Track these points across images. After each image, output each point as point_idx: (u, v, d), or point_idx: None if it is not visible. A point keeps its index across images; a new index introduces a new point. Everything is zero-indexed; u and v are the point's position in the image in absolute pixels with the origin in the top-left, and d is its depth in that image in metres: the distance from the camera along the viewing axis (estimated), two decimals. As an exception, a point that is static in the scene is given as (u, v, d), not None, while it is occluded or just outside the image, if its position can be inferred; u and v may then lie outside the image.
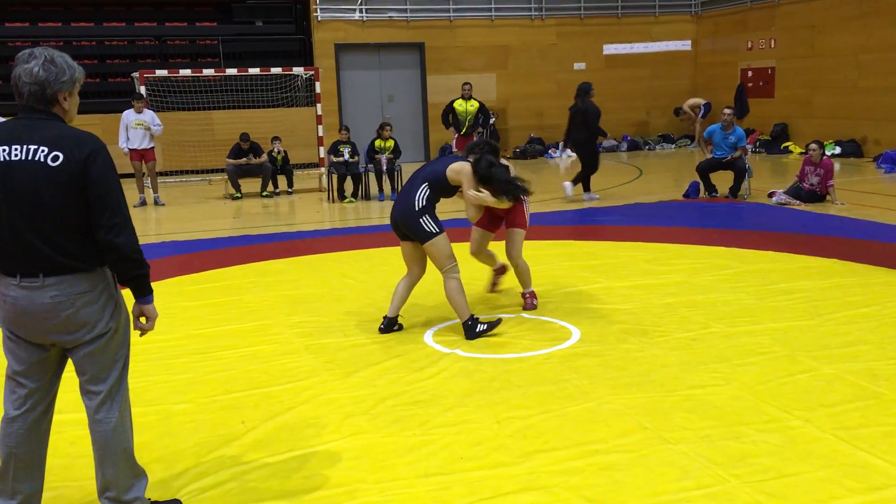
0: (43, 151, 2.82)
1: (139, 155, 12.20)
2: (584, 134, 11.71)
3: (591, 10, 19.16)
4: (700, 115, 18.50)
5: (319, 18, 17.35)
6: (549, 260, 7.58)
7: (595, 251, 7.91)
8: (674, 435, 3.75)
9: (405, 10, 17.89)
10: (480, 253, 6.27)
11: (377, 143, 12.57)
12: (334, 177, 12.45)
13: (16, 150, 2.83)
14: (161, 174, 14.66)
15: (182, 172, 15.44)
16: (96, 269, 2.92)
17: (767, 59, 17.94)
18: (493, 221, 6.12)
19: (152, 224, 11.00)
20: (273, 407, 4.28)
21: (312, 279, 7.16)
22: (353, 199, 12.38)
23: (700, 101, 18.48)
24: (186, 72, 14.32)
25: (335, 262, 7.85)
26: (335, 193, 12.43)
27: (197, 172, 15.12)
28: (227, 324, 5.83)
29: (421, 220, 5.40)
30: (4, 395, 3.03)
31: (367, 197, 12.55)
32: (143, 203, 12.41)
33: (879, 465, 3.40)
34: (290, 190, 13.53)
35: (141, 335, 3.12)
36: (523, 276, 6.10)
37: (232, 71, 14.32)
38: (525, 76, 18.91)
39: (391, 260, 7.87)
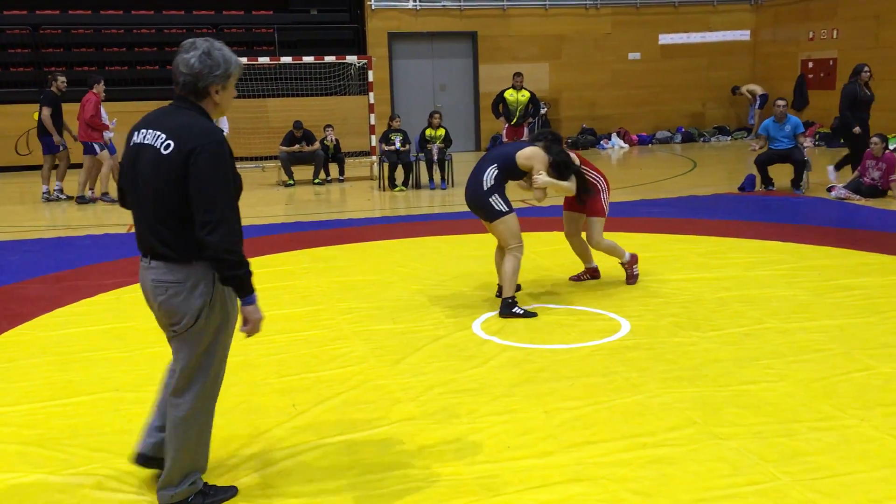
0: (161, 138, 2.90)
1: None
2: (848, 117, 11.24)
3: (648, -2, 18.89)
4: (757, 105, 18.13)
5: (373, 7, 17.42)
6: (599, 252, 7.51)
7: (648, 243, 7.82)
8: (724, 430, 3.71)
9: (459, -1, 17.87)
10: (573, 235, 6.45)
11: (428, 131, 12.60)
12: (385, 165, 12.52)
13: (148, 134, 2.94)
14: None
15: (236, 159, 15.62)
16: (192, 263, 2.94)
17: (829, 51, 17.48)
18: (573, 203, 6.26)
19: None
20: (323, 391, 4.34)
21: (363, 266, 7.23)
22: (403, 188, 12.44)
23: (759, 89, 18.11)
24: (242, 60, 14.47)
25: (386, 250, 7.91)
26: (386, 182, 12.50)
27: (250, 159, 15.33)
28: (280, 308, 5.92)
29: (490, 199, 5.64)
30: None
31: (417, 186, 12.59)
32: None
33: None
34: (341, 178, 13.65)
35: (247, 336, 3.09)
36: (614, 251, 6.34)
37: (287, 59, 14.47)
38: (578, 66, 18.73)
39: (441, 248, 7.90)
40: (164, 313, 3.01)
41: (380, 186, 12.60)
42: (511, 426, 3.85)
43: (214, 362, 3.11)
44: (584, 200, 6.02)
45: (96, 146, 11.53)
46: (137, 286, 3.23)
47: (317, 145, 13.31)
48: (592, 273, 6.56)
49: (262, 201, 11.67)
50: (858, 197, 10.13)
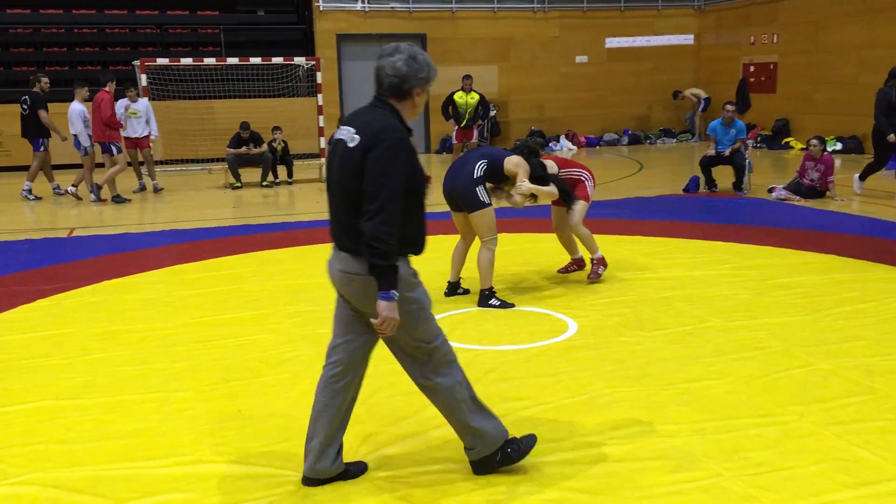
0: (351, 133, 3.06)
1: (133, 143, 12.33)
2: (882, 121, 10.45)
3: (594, 2, 19.12)
4: (700, 109, 18.50)
5: (321, 8, 17.32)
6: (547, 253, 7.59)
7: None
8: (668, 428, 3.78)
9: (408, 1, 17.86)
10: (561, 230, 6.64)
11: (378, 134, 12.54)
12: (335, 167, 12.41)
13: (342, 131, 3.12)
14: (161, 163, 14.69)
15: (182, 161, 15.41)
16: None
17: (770, 55, 17.92)
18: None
19: (151, 213, 11.01)
20: (270, 396, 4.30)
21: (312, 269, 7.17)
22: (353, 190, 12.36)
23: (702, 93, 18.48)
24: (188, 60, 14.30)
25: (334, 253, 7.85)
26: (335, 184, 12.40)
27: (197, 162, 15.11)
28: (227, 313, 5.85)
29: (477, 189, 5.84)
30: None
31: (367, 188, 12.52)
32: (143, 188, 12.60)
33: (873, 460, 3.41)
34: (290, 180, 13.54)
35: (377, 330, 3.06)
36: (589, 241, 6.44)
37: (233, 60, 14.30)
38: (527, 69, 18.88)
39: (390, 251, 7.88)
40: (353, 301, 3.15)
41: (329, 189, 12.49)
42: (459, 428, 3.85)
43: (430, 338, 3.21)
44: (570, 205, 6.32)
45: (114, 147, 11.58)
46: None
47: (265, 147, 13.17)
48: (578, 264, 6.76)
49: (208, 204, 11.50)
50: (798, 198, 10.40)
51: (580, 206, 6.36)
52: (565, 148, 18.62)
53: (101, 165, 12.05)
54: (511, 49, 18.75)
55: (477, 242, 6.09)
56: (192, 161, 15.34)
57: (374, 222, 2.91)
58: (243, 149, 13.02)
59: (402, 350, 3.24)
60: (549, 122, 19.16)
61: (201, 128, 15.41)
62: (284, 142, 13.53)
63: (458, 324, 5.49)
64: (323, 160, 13.60)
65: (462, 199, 5.88)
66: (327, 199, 3.22)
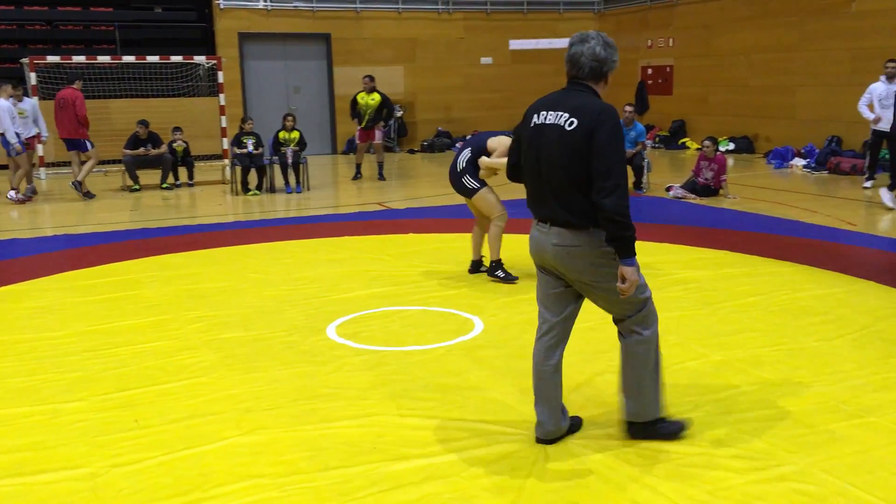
0: (564, 117, 3.29)
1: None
2: None
3: (498, 4, 19.34)
4: None
5: (222, 6, 16.93)
6: (453, 252, 7.64)
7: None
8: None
9: (311, 0, 17.65)
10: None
11: (281, 134, 12.38)
12: (238, 169, 12.19)
13: (550, 115, 3.35)
14: (53, 165, 14.07)
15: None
16: (590, 228, 3.30)
17: (666, 58, 18.53)
18: None
19: (44, 216, 10.52)
20: (169, 404, 4.17)
21: (214, 273, 7.00)
22: (257, 192, 12.15)
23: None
24: (80, 58, 13.74)
25: (238, 256, 7.70)
26: (239, 186, 12.17)
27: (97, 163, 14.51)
28: (123, 319, 5.64)
29: (463, 179, 6.41)
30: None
31: (271, 190, 12.33)
32: (34, 192, 11.97)
33: (762, 447, 3.56)
34: (191, 182, 13.18)
35: (622, 296, 3.35)
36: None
37: (129, 58, 13.82)
38: (433, 69, 18.95)
39: (296, 252, 7.78)
40: (568, 271, 3.40)
41: (232, 191, 12.25)
42: (365, 430, 3.83)
43: (643, 291, 3.49)
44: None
45: (88, 143, 11.65)
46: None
47: (164, 148, 12.79)
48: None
49: (104, 208, 11.08)
50: (694, 196, 10.79)
51: None
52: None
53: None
54: (416, 50, 18.78)
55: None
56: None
57: (613, 198, 3.17)
58: (141, 150, 12.60)
59: (617, 307, 3.48)
60: (456, 123, 19.28)
61: (96, 128, 14.72)
62: (185, 142, 13.17)
63: (363, 325, 5.45)
64: (226, 161, 13.30)
65: (457, 190, 6.54)
66: (529, 182, 3.49)
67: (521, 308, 5.77)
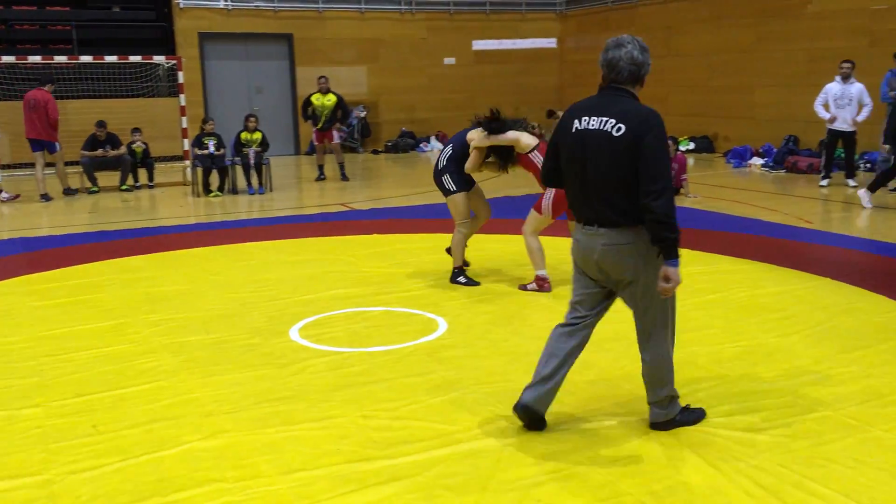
0: (611, 123, 3.37)
1: None
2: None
3: (460, 5, 19.37)
4: None
5: (181, 6, 16.74)
6: (417, 253, 7.64)
7: (463, 244, 8.01)
8: (534, 421, 3.86)
9: (272, 0, 17.52)
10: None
11: (243, 135, 12.27)
12: (199, 170, 12.06)
13: (592, 120, 3.43)
14: (9, 167, 13.79)
15: (33, 165, 14.51)
16: (638, 227, 3.41)
17: (627, 58, 18.67)
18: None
19: (0, 219, 10.32)
20: (128, 409, 4.10)
21: (174, 275, 6.92)
22: (219, 193, 12.03)
23: None
24: (36, 58, 13.48)
25: (199, 258, 7.61)
26: (200, 187, 12.04)
27: (50, 165, 14.26)
28: (80, 324, 5.55)
29: (442, 178, 6.38)
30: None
31: (234, 191, 12.22)
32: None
33: (722, 442, 3.61)
34: (151, 183, 13.01)
35: (662, 297, 3.49)
36: (534, 255, 6.22)
37: (87, 58, 13.59)
38: (396, 70, 18.92)
39: (259, 254, 7.72)
40: (614, 269, 3.50)
41: (193, 192, 12.11)
42: (328, 432, 3.81)
43: (668, 308, 3.64)
44: (505, 168, 6.30)
45: (56, 144, 11.81)
46: None
47: (123, 149, 12.61)
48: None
49: (62, 210, 10.90)
50: (655, 195, 10.89)
51: (532, 217, 6.16)
52: (435, 149, 18.78)
53: None
54: (380, 50, 18.74)
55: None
56: (45, 164, 14.45)
57: (662, 201, 3.29)
58: (99, 151, 12.41)
59: (649, 312, 3.60)
60: (420, 123, 19.27)
61: (53, 129, 14.54)
62: (145, 144, 13.00)
63: (327, 326, 5.42)
64: (187, 163, 13.14)
65: (438, 188, 6.48)
66: (572, 185, 3.56)
67: (485, 308, 5.79)
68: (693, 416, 3.80)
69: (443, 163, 6.40)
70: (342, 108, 13.42)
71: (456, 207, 6.40)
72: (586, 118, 3.46)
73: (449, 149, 6.44)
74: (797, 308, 5.62)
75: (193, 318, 5.66)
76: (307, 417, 3.97)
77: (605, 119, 3.40)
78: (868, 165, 12.81)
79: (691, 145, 16.53)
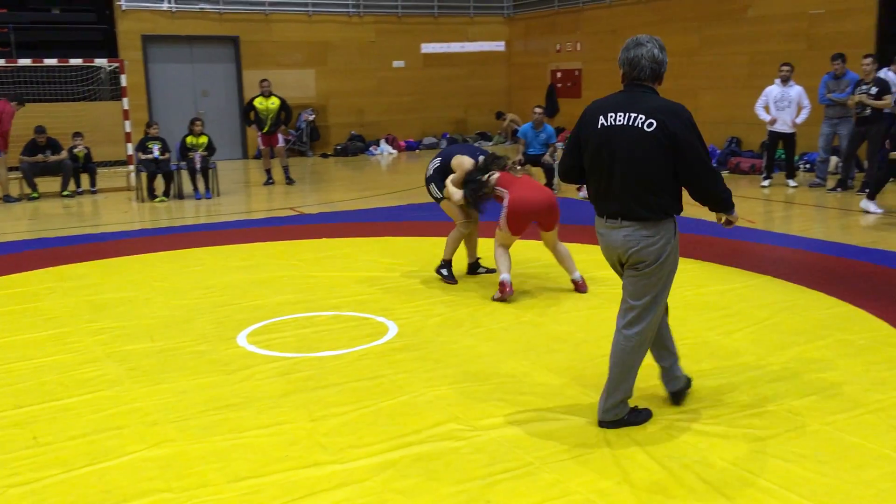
0: (641, 119, 3.47)
1: None
2: None
3: (409, 8, 19.37)
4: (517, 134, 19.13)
5: (123, 7, 16.41)
6: (367, 256, 7.61)
7: (414, 246, 8.01)
8: (484, 422, 3.88)
9: (218, 2, 17.29)
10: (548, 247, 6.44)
11: (189, 139, 12.09)
12: (143, 175, 11.84)
13: (620, 116, 3.52)
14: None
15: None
16: (661, 221, 3.54)
17: (574, 62, 18.91)
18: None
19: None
20: (70, 420, 4.01)
21: (118, 283, 6.77)
22: (164, 199, 11.83)
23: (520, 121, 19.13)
24: (-28, 61, 13.08)
25: (144, 265, 7.47)
26: (145, 192, 11.82)
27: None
28: (19, 333, 5.40)
29: (429, 187, 6.55)
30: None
31: (179, 196, 12.03)
32: None
33: (666, 439, 3.67)
34: (93, 189, 12.73)
35: (727, 226, 3.82)
36: (499, 261, 6.07)
37: (25, 61, 13.24)
38: (344, 73, 18.83)
39: (206, 260, 7.61)
40: (632, 259, 3.60)
41: (138, 197, 11.88)
42: (277, 438, 3.77)
43: (661, 301, 3.69)
44: (478, 210, 6.40)
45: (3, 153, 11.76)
46: None
47: (64, 154, 12.32)
48: (577, 285, 6.33)
49: (1, 217, 10.59)
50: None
51: (497, 230, 6.08)
52: (385, 152, 18.74)
53: None
54: (328, 53, 18.63)
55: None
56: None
57: (721, 184, 3.59)
58: (39, 156, 12.10)
59: (653, 287, 3.65)
60: (369, 127, 19.21)
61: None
62: (86, 148, 12.71)
63: (276, 332, 5.37)
64: (131, 168, 12.89)
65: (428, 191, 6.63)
66: (597, 180, 3.64)
67: (435, 310, 5.79)
68: (641, 416, 3.85)
69: (430, 171, 6.53)
70: (286, 110, 13.32)
71: (448, 211, 6.53)
72: (612, 114, 3.54)
73: (437, 161, 6.51)
74: (740, 306, 5.74)
75: (138, 326, 5.55)
76: (255, 424, 3.92)
77: (633, 115, 3.49)
78: (808, 166, 13.15)
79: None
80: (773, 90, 11.66)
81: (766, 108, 11.72)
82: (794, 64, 11.68)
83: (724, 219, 3.78)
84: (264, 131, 13.11)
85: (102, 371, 4.69)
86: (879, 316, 5.41)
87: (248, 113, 13.23)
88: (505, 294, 5.96)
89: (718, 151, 14.69)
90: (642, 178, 3.50)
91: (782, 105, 11.46)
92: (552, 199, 6.03)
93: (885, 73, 11.29)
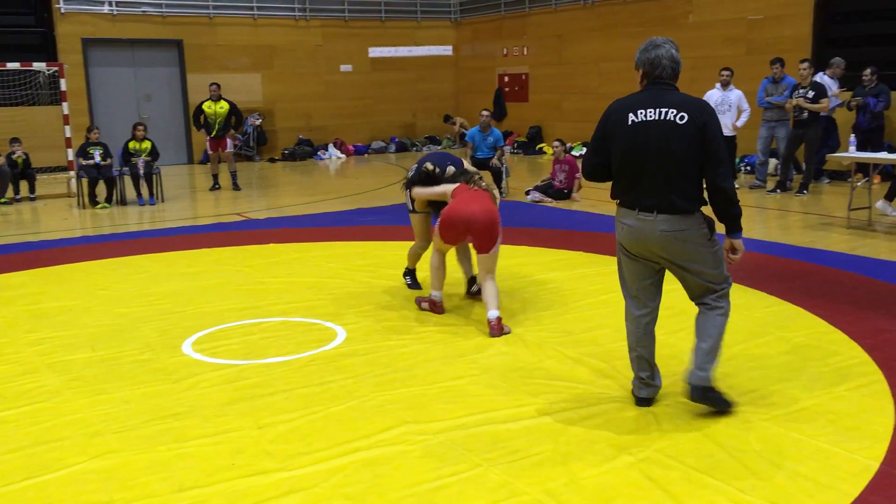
0: (672, 112, 3.63)
1: None
2: None
3: (356, 13, 19.32)
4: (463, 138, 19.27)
5: (63, 10, 16.05)
6: (315, 262, 7.56)
7: (362, 251, 7.99)
8: (433, 426, 3.88)
9: (160, 5, 17.02)
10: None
11: (131, 144, 11.86)
12: (84, 181, 11.58)
13: (650, 112, 3.66)
14: None
15: None
16: (695, 213, 3.69)
17: (521, 66, 19.07)
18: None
19: None
20: (8, 433, 3.90)
21: (58, 291, 6.61)
22: (106, 205, 11.59)
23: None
24: None
25: (85, 273, 7.31)
26: (86, 199, 11.57)
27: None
28: (-45, 345, 5.24)
29: (406, 192, 6.23)
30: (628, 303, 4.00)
31: (123, 202, 11.79)
32: None
33: (607, 435, 3.72)
34: (32, 196, 12.40)
35: (729, 265, 3.85)
36: (433, 274, 5.87)
37: (-41, 65, 12.86)
38: (291, 77, 18.69)
39: (150, 267, 7.47)
40: (673, 254, 3.73)
41: (79, 204, 11.62)
42: (223, 447, 3.72)
43: (724, 269, 3.86)
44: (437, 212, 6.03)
45: None
46: None
47: (2, 160, 11.97)
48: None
49: (-66, 225, 10.25)
50: (550, 199, 11.14)
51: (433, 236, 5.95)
52: (334, 156, 18.64)
53: None
54: (274, 57, 18.47)
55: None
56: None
57: (729, 181, 3.65)
58: (-25, 163, 11.76)
59: (705, 281, 3.81)
60: (317, 131, 19.09)
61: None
62: (25, 154, 12.39)
63: (222, 339, 5.30)
64: (71, 173, 12.60)
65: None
66: (630, 175, 3.72)
67: (384, 315, 5.77)
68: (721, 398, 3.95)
69: (409, 173, 6.20)
70: (236, 114, 13.18)
71: (414, 227, 6.29)
72: (642, 111, 3.67)
73: (415, 167, 6.14)
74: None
75: (79, 336, 5.43)
76: (201, 433, 3.87)
77: (663, 110, 3.64)
78: (748, 168, 13.47)
79: (584, 150, 16.97)
80: (714, 94, 11.90)
81: (708, 112, 11.94)
82: (733, 68, 11.95)
83: (729, 245, 3.83)
84: (212, 136, 12.96)
85: (41, 382, 4.57)
86: (816, 314, 5.56)
87: (197, 117, 13.04)
88: (435, 311, 5.74)
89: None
90: (679, 170, 3.64)
91: (723, 109, 11.71)
92: (487, 218, 5.49)
93: (820, 78, 11.65)
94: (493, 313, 5.34)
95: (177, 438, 3.81)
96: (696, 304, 3.96)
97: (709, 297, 3.88)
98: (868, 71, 11.48)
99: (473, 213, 5.48)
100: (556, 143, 11.42)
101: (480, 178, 5.92)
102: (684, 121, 3.61)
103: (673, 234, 3.70)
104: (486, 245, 5.49)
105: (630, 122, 3.71)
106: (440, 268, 5.84)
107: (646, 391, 4.05)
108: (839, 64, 11.94)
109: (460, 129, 19.15)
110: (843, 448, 3.55)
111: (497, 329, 5.28)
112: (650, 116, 3.67)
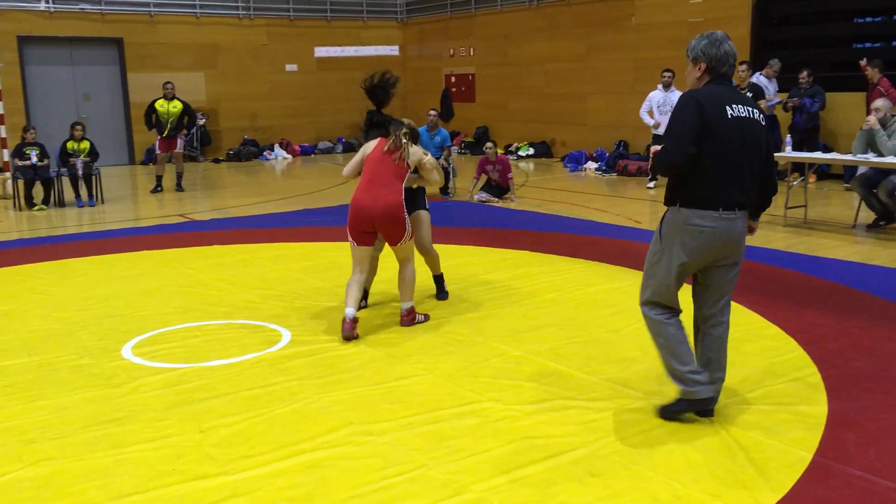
0: (755, 112, 3.67)
1: None
2: None
3: (301, 12, 19.15)
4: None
5: (-3, 7, 15.60)
6: (261, 263, 7.48)
7: (308, 252, 7.93)
8: (378, 426, 3.87)
9: (99, 2, 16.64)
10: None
11: (70, 144, 11.58)
12: (20, 182, 11.26)
13: (740, 108, 3.63)
14: None
15: None
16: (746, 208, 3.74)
17: (468, 66, 19.13)
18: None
19: None
20: (-62, 443, 3.77)
21: (-8, 296, 6.42)
22: (43, 207, 11.28)
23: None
24: None
25: (21, 276, 7.11)
26: (22, 200, 11.25)
27: None
28: None
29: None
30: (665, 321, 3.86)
31: (60, 204, 11.49)
32: None
33: (551, 431, 3.76)
34: (-34, 198, 12.03)
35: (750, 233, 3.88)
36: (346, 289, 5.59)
37: None
38: (236, 76, 18.45)
39: (89, 270, 7.30)
40: (738, 251, 3.74)
41: (15, 206, 11.29)
42: (164, 452, 3.65)
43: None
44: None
45: None
46: None
47: (-68, 161, 11.58)
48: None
49: None
50: (496, 199, 11.20)
51: None
52: (280, 157, 18.45)
53: None
54: (218, 56, 18.21)
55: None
56: None
57: (776, 178, 3.87)
58: None
59: (728, 287, 3.81)
60: (263, 131, 18.88)
61: None
62: (-43, 155, 12.00)
63: (163, 342, 5.20)
64: (7, 174, 12.24)
65: None
66: (724, 170, 3.60)
67: (329, 316, 5.74)
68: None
69: None
70: (189, 114, 12.95)
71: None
72: (736, 106, 3.63)
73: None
74: (627, 304, 5.92)
75: (13, 341, 5.28)
76: (141, 438, 3.79)
77: (748, 108, 3.67)
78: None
79: (531, 150, 17.10)
80: (657, 95, 12.11)
81: (650, 113, 12.16)
82: (675, 70, 12.17)
83: (749, 227, 3.87)
84: (164, 136, 12.69)
85: (-26, 390, 4.43)
86: (754, 309, 5.69)
87: (149, 116, 12.73)
88: (345, 332, 5.15)
89: (607, 154, 15.15)
90: (761, 168, 3.72)
91: (665, 109, 11.91)
92: (388, 211, 5.29)
93: (757, 78, 11.93)
94: (407, 305, 5.51)
95: (116, 444, 3.73)
96: (704, 319, 3.85)
97: (722, 302, 3.80)
98: (805, 73, 11.80)
99: (373, 209, 5.27)
100: (489, 145, 11.47)
101: (406, 133, 5.87)
102: (763, 120, 3.72)
103: (744, 231, 3.75)
104: (395, 237, 5.40)
105: (730, 116, 3.60)
106: (359, 281, 5.44)
107: (711, 389, 3.86)
108: (773, 64, 12.26)
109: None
110: (779, 440, 3.64)
111: (406, 321, 5.45)
112: (741, 113, 3.63)
